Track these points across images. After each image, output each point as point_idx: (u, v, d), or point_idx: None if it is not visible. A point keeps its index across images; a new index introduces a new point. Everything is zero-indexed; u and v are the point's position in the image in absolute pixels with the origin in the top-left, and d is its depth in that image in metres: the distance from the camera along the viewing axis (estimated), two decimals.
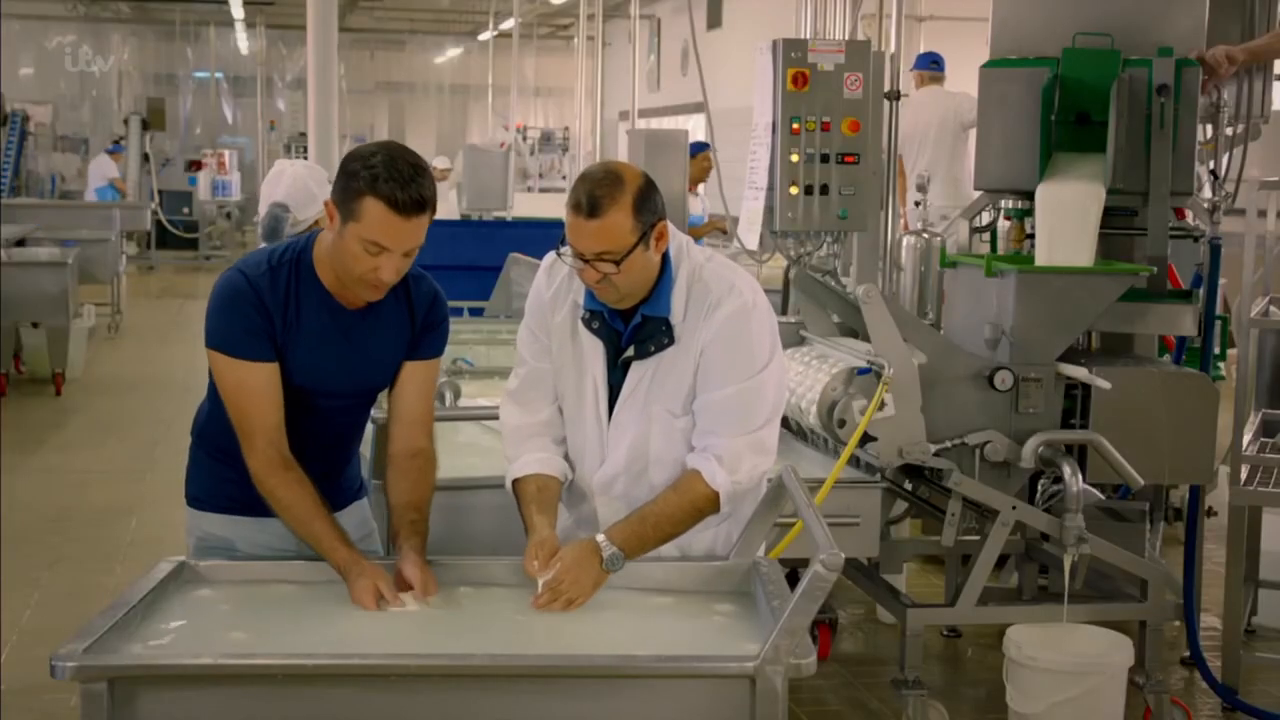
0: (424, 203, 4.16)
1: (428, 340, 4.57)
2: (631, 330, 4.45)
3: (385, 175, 4.11)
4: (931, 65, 14.01)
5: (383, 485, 4.57)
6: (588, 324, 4.50)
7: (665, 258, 4.41)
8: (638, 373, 4.47)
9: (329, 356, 4.41)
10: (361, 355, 4.46)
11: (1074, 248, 6.63)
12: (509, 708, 3.57)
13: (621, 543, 4.26)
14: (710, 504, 4.38)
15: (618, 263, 4.25)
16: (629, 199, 4.24)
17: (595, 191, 4.23)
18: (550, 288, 4.58)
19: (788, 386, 6.59)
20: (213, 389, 4.54)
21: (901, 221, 10.46)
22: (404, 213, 4.13)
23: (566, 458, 4.63)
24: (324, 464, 4.54)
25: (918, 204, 8.70)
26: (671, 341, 4.42)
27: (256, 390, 4.33)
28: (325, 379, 4.43)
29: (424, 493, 4.48)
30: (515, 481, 4.55)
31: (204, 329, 4.41)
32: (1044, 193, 6.70)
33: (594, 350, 4.52)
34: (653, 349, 4.43)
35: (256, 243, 6.71)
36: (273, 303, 4.33)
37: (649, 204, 4.29)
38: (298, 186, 6.64)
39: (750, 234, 7.22)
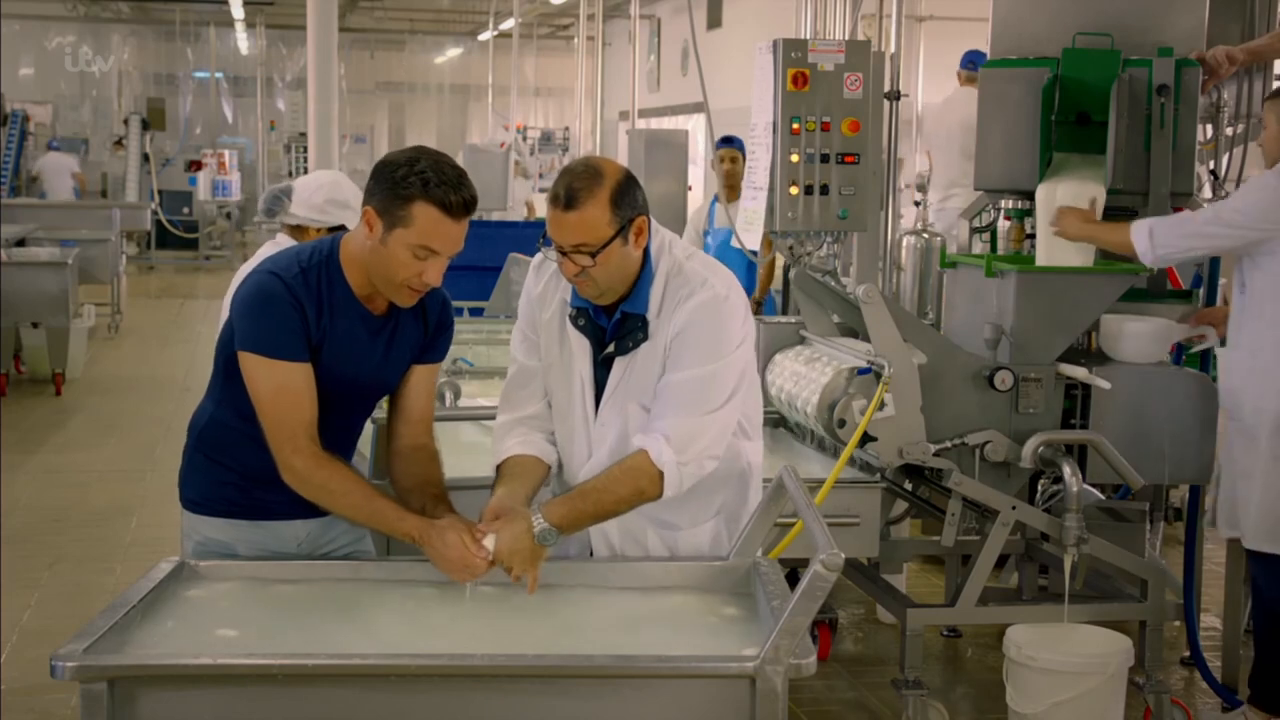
0: (473, 204, 4.24)
1: (437, 344, 4.62)
2: (613, 327, 4.50)
3: (436, 180, 4.17)
4: (969, 65, 13.90)
5: (389, 481, 4.58)
6: (574, 321, 4.55)
7: (647, 255, 4.44)
8: (619, 369, 4.51)
9: (355, 358, 4.42)
10: (383, 358, 4.49)
11: (1074, 247, 6.63)
12: (509, 708, 3.58)
13: (558, 519, 4.28)
14: (653, 484, 4.36)
15: (593, 255, 4.29)
16: (606, 193, 4.28)
17: (574, 184, 4.29)
18: (539, 285, 4.64)
19: (784, 387, 6.62)
20: (216, 391, 4.54)
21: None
22: (457, 215, 4.20)
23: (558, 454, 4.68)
24: None
25: (917, 204, 8.72)
26: (646, 337, 4.45)
27: (296, 390, 4.33)
28: (349, 380, 4.44)
29: (436, 473, 4.56)
30: (497, 467, 4.62)
31: (239, 333, 4.37)
32: (1044, 193, 6.71)
33: (580, 347, 4.56)
34: (631, 345, 4.47)
35: (257, 242, 6.74)
36: (308, 304, 4.33)
37: (628, 199, 4.32)
38: (312, 188, 6.68)
39: (750, 234, 7.21)
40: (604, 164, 4.39)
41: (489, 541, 4.22)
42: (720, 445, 4.48)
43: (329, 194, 6.64)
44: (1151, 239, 6.42)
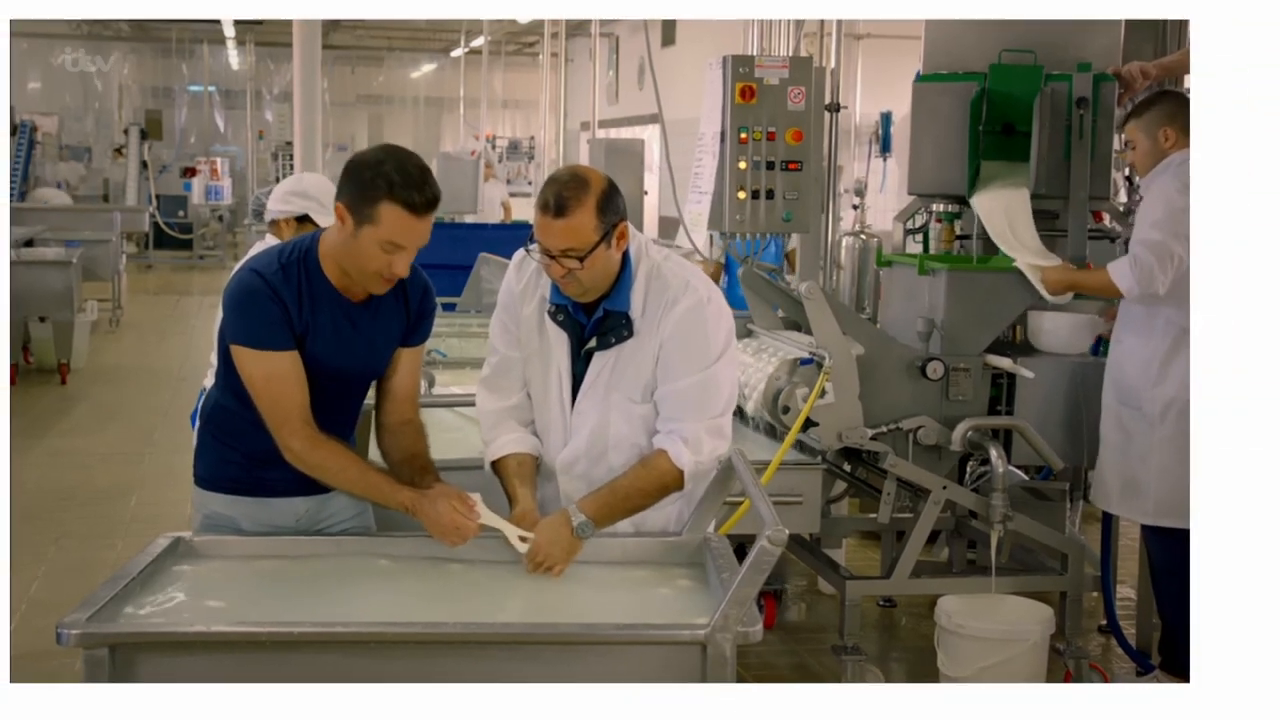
0: (436, 202, 4.20)
1: (420, 328, 4.60)
2: (594, 323, 4.47)
3: (400, 181, 4.12)
4: None
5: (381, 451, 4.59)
6: (553, 317, 4.52)
7: (626, 256, 4.43)
8: (599, 363, 4.48)
9: (339, 345, 4.39)
10: (366, 343, 4.46)
11: (1027, 247, 6.62)
12: (481, 673, 3.57)
13: (592, 513, 4.30)
14: (675, 481, 4.41)
15: (582, 259, 4.27)
16: (593, 200, 4.26)
17: (562, 193, 4.26)
18: (520, 282, 4.61)
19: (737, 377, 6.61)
20: (224, 380, 4.51)
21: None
22: (420, 214, 4.16)
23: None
24: None
25: (855, 207, 8.69)
26: (631, 334, 4.43)
27: (285, 377, 4.31)
28: (336, 366, 4.41)
29: (422, 445, 4.54)
30: (495, 461, 4.59)
31: (227, 328, 4.37)
32: (979, 202, 6.74)
33: (559, 341, 4.53)
34: (613, 341, 4.45)
35: (247, 243, 6.76)
36: (288, 297, 4.31)
37: (612, 205, 4.31)
38: (280, 186, 6.74)
39: (697, 234, 7.22)
40: (589, 173, 4.36)
41: (481, 509, 4.25)
42: (726, 445, 4.50)
43: (290, 187, 6.68)
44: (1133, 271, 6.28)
